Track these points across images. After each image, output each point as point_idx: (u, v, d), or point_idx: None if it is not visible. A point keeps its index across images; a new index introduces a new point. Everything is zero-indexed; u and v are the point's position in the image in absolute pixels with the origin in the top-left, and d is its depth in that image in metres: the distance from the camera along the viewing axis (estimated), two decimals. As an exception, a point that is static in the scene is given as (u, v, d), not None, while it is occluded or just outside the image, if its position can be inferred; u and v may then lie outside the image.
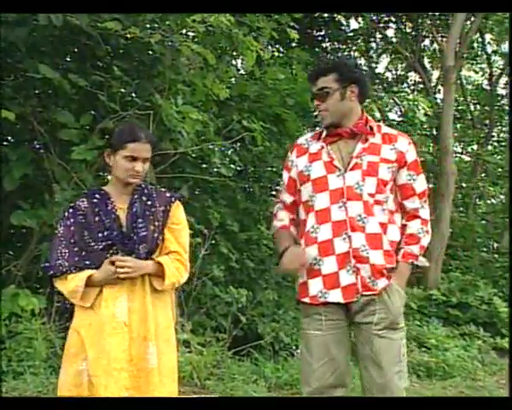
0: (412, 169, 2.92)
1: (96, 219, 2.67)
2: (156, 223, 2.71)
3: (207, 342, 5.74)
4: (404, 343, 2.80)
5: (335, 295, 2.79)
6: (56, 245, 2.68)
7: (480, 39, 14.02)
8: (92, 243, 2.65)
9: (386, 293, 2.77)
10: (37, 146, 5.56)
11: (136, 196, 2.73)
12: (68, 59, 5.56)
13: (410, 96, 13.59)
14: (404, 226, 2.90)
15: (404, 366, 2.79)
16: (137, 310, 2.63)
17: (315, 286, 2.84)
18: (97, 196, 2.72)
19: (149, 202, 2.73)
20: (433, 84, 14.09)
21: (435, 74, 14.63)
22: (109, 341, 2.57)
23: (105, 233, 2.64)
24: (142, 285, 2.67)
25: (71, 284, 2.62)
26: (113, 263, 2.60)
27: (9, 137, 5.69)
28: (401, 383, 2.76)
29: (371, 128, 2.90)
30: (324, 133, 2.95)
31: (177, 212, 2.79)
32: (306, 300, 2.86)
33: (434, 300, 9.37)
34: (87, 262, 2.64)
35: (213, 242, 6.54)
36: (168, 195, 2.80)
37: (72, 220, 2.68)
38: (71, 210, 2.71)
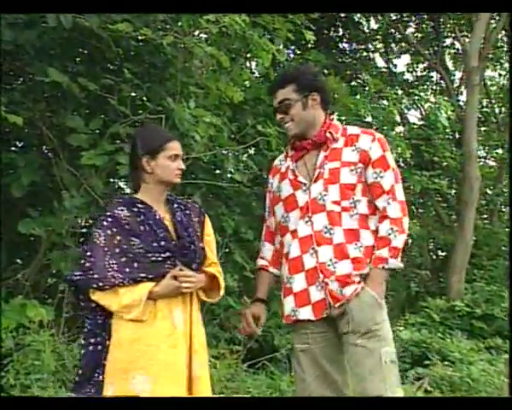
0: (378, 166, 2.88)
1: (142, 228, 2.67)
2: (197, 234, 2.82)
3: (221, 355, 5.73)
4: (386, 352, 2.75)
5: (305, 313, 2.84)
6: (100, 255, 2.63)
7: (505, 38, 13.93)
8: (149, 255, 2.64)
9: (357, 300, 2.78)
10: (46, 152, 5.60)
11: (175, 206, 2.81)
12: (78, 62, 5.59)
13: (432, 98, 13.53)
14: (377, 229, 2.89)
15: (388, 374, 2.73)
16: (188, 321, 2.71)
17: (288, 305, 2.91)
18: (138, 204, 2.73)
19: (188, 212, 2.83)
20: (455, 86, 14.02)
21: (458, 75, 14.57)
22: (173, 352, 2.61)
23: (161, 243, 2.66)
24: (191, 297, 2.75)
25: (126, 298, 2.59)
26: (175, 277, 2.63)
27: (17, 143, 5.74)
28: (387, 394, 2.69)
29: (331, 134, 2.91)
30: (290, 152, 3.01)
31: (209, 224, 2.93)
32: (283, 320, 2.94)
33: (458, 311, 9.29)
34: (142, 274, 2.62)
35: (227, 250, 6.54)
36: (197, 206, 2.91)
37: (114, 230, 2.66)
38: (110, 219, 2.68)
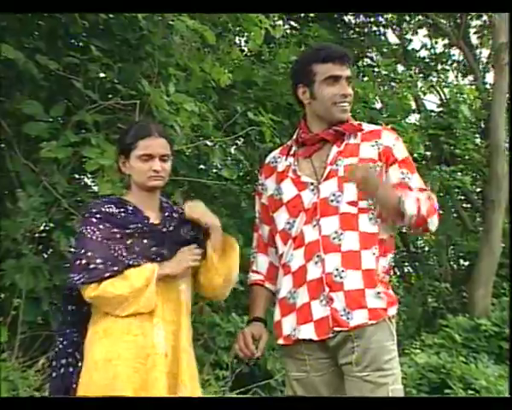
0: (405, 167, 2.93)
1: (137, 228, 2.76)
2: None
3: (205, 381, 5.74)
4: (394, 391, 2.76)
5: (307, 331, 2.83)
6: (98, 246, 2.69)
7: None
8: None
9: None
10: (-2, 143, 5.59)
11: (166, 214, 2.88)
12: (36, 37, 5.59)
13: (453, 81, 13.60)
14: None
15: None
16: (172, 342, 2.73)
17: (288, 323, 2.90)
18: (126, 204, 2.82)
19: (187, 226, 2.89)
20: (481, 66, 14.09)
21: (484, 53, 14.65)
22: (152, 375, 2.64)
23: (152, 249, 2.76)
24: (178, 314, 2.78)
25: (137, 279, 2.66)
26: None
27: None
28: None
29: (355, 126, 2.97)
30: (294, 148, 3.02)
31: None
32: (280, 341, 2.93)
33: (484, 331, 9.33)
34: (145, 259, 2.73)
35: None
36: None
37: (107, 224, 2.73)
38: (99, 215, 2.75)
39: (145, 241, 2.75)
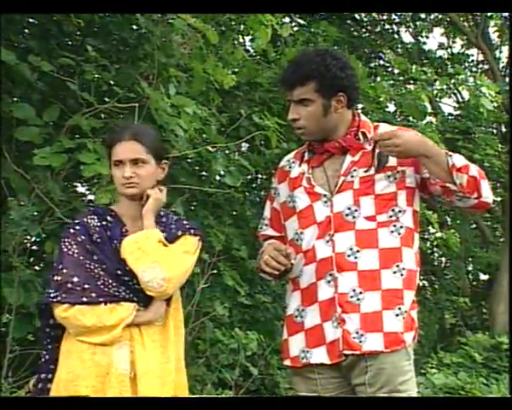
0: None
1: (109, 245, 2.78)
2: None
3: (208, 404, 5.74)
4: None
5: (319, 355, 2.85)
6: (73, 265, 2.72)
7: None
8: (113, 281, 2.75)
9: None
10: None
11: (161, 228, 2.87)
12: (28, 36, 5.61)
13: (471, 82, 13.59)
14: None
15: None
16: (143, 363, 2.72)
17: (296, 344, 2.92)
18: (109, 217, 2.85)
19: (165, 234, 2.86)
20: (501, 66, 14.09)
21: (505, 52, 14.65)
22: (109, 395, 2.65)
23: (118, 272, 2.76)
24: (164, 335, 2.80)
25: (110, 318, 2.69)
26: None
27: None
28: None
29: (364, 135, 2.93)
30: (307, 155, 3.02)
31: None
32: (287, 362, 2.95)
33: (505, 350, 9.31)
34: (123, 293, 2.74)
35: (215, 271, 6.56)
36: (185, 222, 2.94)
37: (83, 237, 2.77)
38: (78, 227, 2.80)
39: (116, 260, 2.76)
